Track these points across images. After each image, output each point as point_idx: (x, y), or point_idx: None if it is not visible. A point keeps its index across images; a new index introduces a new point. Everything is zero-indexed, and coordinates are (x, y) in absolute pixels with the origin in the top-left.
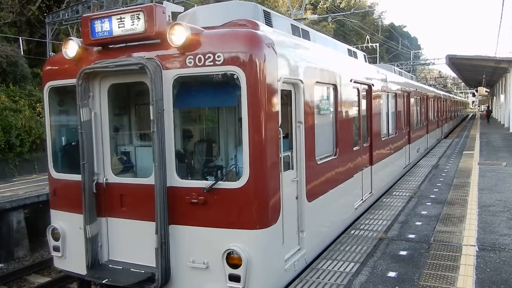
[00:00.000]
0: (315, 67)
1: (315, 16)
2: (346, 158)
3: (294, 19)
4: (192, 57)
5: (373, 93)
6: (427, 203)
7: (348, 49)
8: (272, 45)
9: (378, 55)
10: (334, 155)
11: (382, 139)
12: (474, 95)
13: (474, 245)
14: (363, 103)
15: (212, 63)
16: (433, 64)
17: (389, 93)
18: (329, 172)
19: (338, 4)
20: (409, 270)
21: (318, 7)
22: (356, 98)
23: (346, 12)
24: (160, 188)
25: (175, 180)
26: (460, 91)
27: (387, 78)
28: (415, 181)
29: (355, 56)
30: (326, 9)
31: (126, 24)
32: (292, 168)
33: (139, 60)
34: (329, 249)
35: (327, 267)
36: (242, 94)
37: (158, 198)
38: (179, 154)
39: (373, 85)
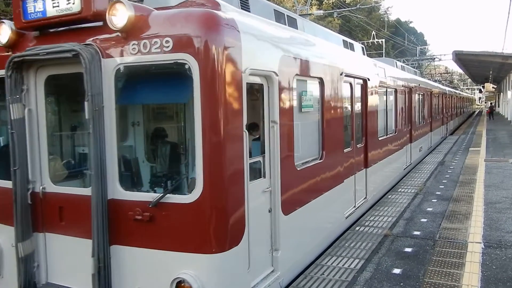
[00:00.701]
0: (295, 57)
1: (321, 12)
2: (334, 162)
3: (300, 15)
4: (136, 42)
5: (369, 88)
6: (433, 200)
7: (344, 41)
8: (235, 29)
9: (384, 51)
10: (320, 159)
11: (380, 138)
12: (480, 91)
13: (480, 242)
14: (357, 99)
15: (159, 50)
16: (440, 60)
17: (387, 89)
18: (312, 179)
19: None
20: (414, 266)
21: (323, 2)
22: (348, 94)
23: (352, 8)
24: (98, 201)
25: (118, 191)
26: (466, 87)
27: (386, 73)
28: (421, 177)
29: (352, 48)
30: (331, 5)
31: (61, 3)
32: (264, 176)
33: (72, 46)
34: (333, 245)
35: (331, 264)
36: (194, 88)
37: (95, 213)
38: (123, 160)
39: (369, 79)
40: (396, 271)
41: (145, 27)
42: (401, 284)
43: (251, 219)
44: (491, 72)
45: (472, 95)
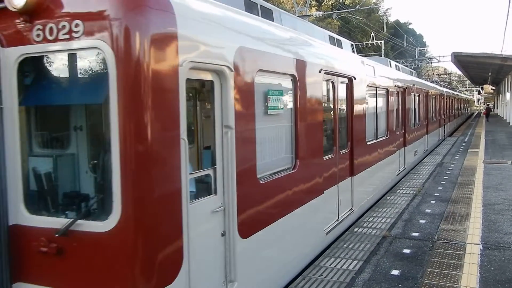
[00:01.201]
0: (259, 50)
1: (320, 13)
2: (311, 171)
3: (299, 16)
4: (41, 27)
5: (355, 88)
6: (431, 201)
7: (330, 37)
8: (169, 11)
9: (383, 52)
10: (293, 169)
11: (368, 143)
12: (479, 92)
13: (479, 244)
14: (341, 100)
15: (67, 36)
16: (438, 61)
17: (378, 89)
18: (281, 193)
19: (343, 1)
20: (413, 268)
21: (323, 3)
22: (330, 94)
23: (351, 9)
24: None
25: (21, 215)
26: (465, 88)
27: (376, 71)
28: (420, 179)
29: (339, 45)
30: (331, 6)
31: None
32: (216, 193)
33: None
34: (332, 246)
35: (330, 265)
36: (110, 85)
37: None
38: (34, 175)
39: (355, 78)
40: (395, 272)
41: (53, 7)
42: (400, 285)
43: (194, 247)
44: (490, 73)
45: (471, 97)
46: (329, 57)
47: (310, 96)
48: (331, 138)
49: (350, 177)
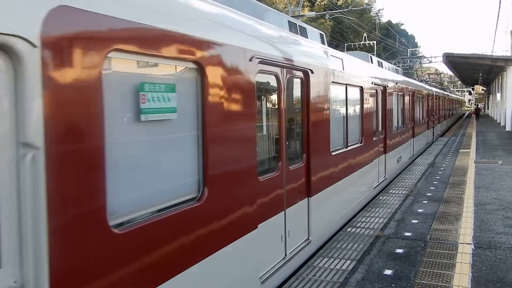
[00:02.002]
0: (113, 17)
1: (313, 13)
2: (230, 202)
3: (292, 16)
4: None
5: (312, 85)
6: (424, 201)
7: (290, 22)
8: None
9: (375, 53)
10: (198, 201)
11: (333, 153)
12: (470, 93)
13: (470, 243)
14: (291, 99)
15: None
16: (430, 62)
17: (348, 86)
18: (167, 243)
19: (336, 1)
20: (406, 268)
21: (315, 4)
22: (270, 91)
23: (344, 10)
24: None
25: None
26: (456, 89)
27: (345, 65)
28: (412, 179)
29: (303, 34)
30: (323, 6)
31: None
32: None
33: None
34: (325, 247)
35: (323, 265)
36: None
37: None
38: None
39: (312, 71)
40: (388, 272)
41: None
42: (393, 285)
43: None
44: (480, 74)
45: (462, 97)
46: (269, 41)
47: (230, 94)
48: (271, 153)
49: (307, 198)
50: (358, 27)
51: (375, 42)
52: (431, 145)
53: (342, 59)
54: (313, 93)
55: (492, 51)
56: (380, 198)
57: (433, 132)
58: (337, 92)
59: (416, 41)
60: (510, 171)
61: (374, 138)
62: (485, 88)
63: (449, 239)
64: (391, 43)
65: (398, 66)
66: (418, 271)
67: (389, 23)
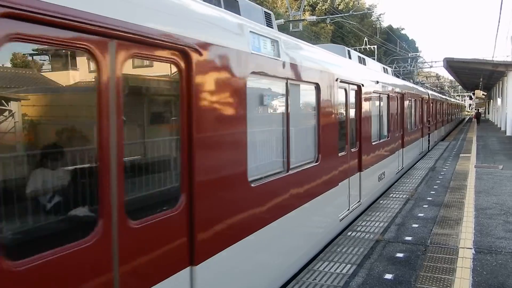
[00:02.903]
0: None
1: (314, 18)
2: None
3: (293, 20)
4: None
5: (201, 76)
6: (424, 206)
7: None
8: None
9: (376, 57)
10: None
11: (252, 184)
12: (471, 98)
13: (471, 248)
14: (160, 99)
15: None
16: (430, 67)
17: (290, 82)
18: None
19: (337, 5)
20: (406, 272)
21: (316, 8)
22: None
23: (345, 14)
24: None
25: None
26: (457, 94)
27: (306, 54)
28: (412, 183)
29: (233, 8)
30: (324, 11)
31: None
32: None
33: None
34: (325, 250)
35: (323, 269)
36: None
37: None
38: None
39: (199, 53)
40: (388, 276)
41: None
42: None
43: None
44: (481, 79)
45: (462, 102)
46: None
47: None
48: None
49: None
50: (359, 32)
51: (375, 46)
52: (426, 154)
53: (279, 40)
54: (199, 92)
55: (492, 56)
56: (381, 202)
57: (429, 140)
58: (262, 92)
59: (417, 45)
60: (510, 176)
61: (341, 153)
62: (485, 93)
63: (449, 243)
64: (392, 47)
65: (400, 72)
66: (418, 275)
67: (390, 27)
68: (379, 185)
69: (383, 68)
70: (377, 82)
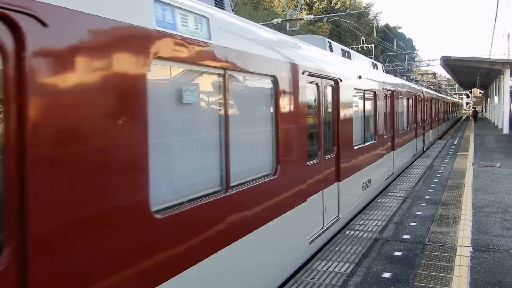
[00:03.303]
0: None
1: (311, 17)
2: None
3: (290, 19)
4: None
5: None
6: (422, 204)
7: None
8: None
9: (373, 56)
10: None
11: (217, 196)
12: (468, 96)
13: (469, 246)
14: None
15: None
16: (427, 65)
17: (230, 73)
18: None
19: (334, 4)
20: (404, 270)
21: (313, 7)
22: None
23: (342, 13)
24: None
25: None
26: (454, 92)
27: (256, 38)
28: (410, 181)
29: None
30: (321, 10)
31: None
32: None
33: None
34: (324, 249)
35: (321, 268)
36: None
37: None
38: None
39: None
40: (386, 275)
41: None
42: None
43: None
44: (478, 77)
45: (459, 100)
46: None
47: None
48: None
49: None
50: (356, 31)
51: (373, 45)
52: (420, 155)
53: (206, 17)
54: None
55: (489, 54)
56: (379, 201)
57: (423, 140)
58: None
59: (414, 44)
60: (508, 173)
61: (312, 162)
62: (482, 91)
63: (447, 241)
64: (389, 46)
65: (396, 70)
66: (416, 274)
67: (387, 26)
68: (363, 194)
69: (372, 63)
70: (360, 77)
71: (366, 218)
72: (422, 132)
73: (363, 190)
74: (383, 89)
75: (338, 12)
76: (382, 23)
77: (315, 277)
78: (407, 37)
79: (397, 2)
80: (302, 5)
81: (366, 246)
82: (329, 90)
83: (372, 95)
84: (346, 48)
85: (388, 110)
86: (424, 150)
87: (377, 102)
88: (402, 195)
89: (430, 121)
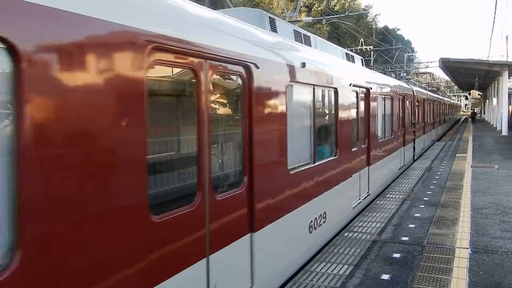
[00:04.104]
0: None
1: (310, 19)
2: None
3: (289, 21)
4: None
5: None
6: (421, 206)
7: None
8: None
9: (372, 58)
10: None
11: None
12: (467, 98)
13: (467, 248)
14: None
15: None
16: (426, 67)
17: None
18: None
19: (333, 6)
20: (403, 272)
21: (312, 9)
22: None
23: (341, 15)
24: None
25: None
26: (453, 94)
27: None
28: (409, 183)
29: None
30: (320, 12)
31: None
32: None
33: None
34: (322, 251)
35: (320, 270)
36: None
37: None
38: None
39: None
40: (385, 277)
41: None
42: None
43: None
44: (477, 79)
45: (458, 101)
46: None
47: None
48: None
49: None
50: (355, 32)
51: (371, 47)
52: (409, 167)
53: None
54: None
55: (488, 56)
56: (378, 202)
57: (414, 148)
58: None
59: (412, 46)
60: (506, 175)
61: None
62: (481, 93)
63: (446, 243)
64: (387, 48)
65: (395, 71)
66: (415, 275)
67: (385, 28)
68: (309, 239)
69: (347, 54)
70: (304, 65)
71: (364, 220)
72: (412, 138)
73: (310, 233)
74: (352, 85)
75: (337, 14)
76: (381, 24)
77: (314, 279)
78: (406, 39)
79: (396, 4)
80: (301, 7)
81: (365, 248)
82: (230, 85)
83: (333, 93)
84: (300, 30)
85: (360, 115)
86: (415, 159)
87: (341, 103)
88: (400, 196)
89: (422, 125)
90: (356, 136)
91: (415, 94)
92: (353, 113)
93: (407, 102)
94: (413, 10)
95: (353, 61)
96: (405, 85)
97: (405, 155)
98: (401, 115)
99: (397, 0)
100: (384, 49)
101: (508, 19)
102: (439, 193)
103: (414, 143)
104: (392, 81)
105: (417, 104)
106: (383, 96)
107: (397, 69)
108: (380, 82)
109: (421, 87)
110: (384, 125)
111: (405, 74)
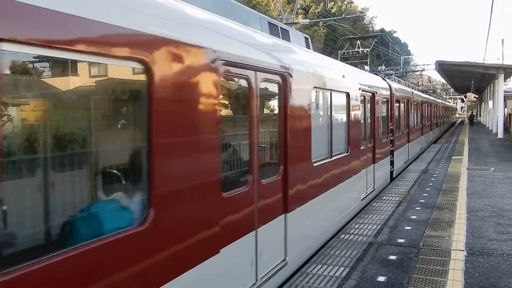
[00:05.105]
0: None
1: (307, 21)
2: None
3: (285, 23)
4: None
5: None
6: (417, 208)
7: None
8: None
9: (369, 60)
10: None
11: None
12: (463, 100)
13: (463, 250)
14: None
15: None
16: (423, 70)
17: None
18: None
19: (330, 9)
20: (399, 274)
21: (309, 11)
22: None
23: (337, 17)
24: None
25: None
26: (449, 96)
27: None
28: (405, 185)
29: None
30: (317, 14)
31: None
32: None
33: None
34: (319, 253)
35: (316, 272)
36: None
37: None
38: None
39: None
40: (381, 279)
41: None
42: None
43: None
44: (473, 82)
45: (454, 104)
46: None
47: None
48: None
49: None
50: (351, 35)
51: (368, 49)
52: (396, 177)
53: None
54: None
55: (484, 59)
56: (374, 204)
57: (392, 162)
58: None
59: (409, 48)
60: (502, 178)
61: (362, 147)
62: (477, 96)
63: (442, 245)
64: (384, 50)
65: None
66: (411, 277)
67: (382, 30)
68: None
69: (306, 38)
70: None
71: (361, 222)
72: (390, 149)
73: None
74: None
75: (333, 16)
76: (377, 27)
77: (310, 281)
78: (402, 41)
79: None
80: (298, 9)
81: (361, 250)
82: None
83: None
84: (271, 19)
85: (305, 122)
86: (395, 176)
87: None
88: (397, 199)
89: (406, 132)
90: (292, 157)
91: (393, 92)
92: (330, 117)
93: (380, 102)
94: (410, 13)
95: (308, 46)
96: (378, 79)
97: (375, 176)
98: (390, 118)
99: (393, 3)
100: (381, 51)
101: (504, 22)
102: (435, 195)
103: (392, 157)
104: (375, 79)
105: (399, 105)
106: (368, 97)
107: (394, 71)
108: (335, 74)
109: (414, 88)
110: (346, 136)
111: (384, 68)
